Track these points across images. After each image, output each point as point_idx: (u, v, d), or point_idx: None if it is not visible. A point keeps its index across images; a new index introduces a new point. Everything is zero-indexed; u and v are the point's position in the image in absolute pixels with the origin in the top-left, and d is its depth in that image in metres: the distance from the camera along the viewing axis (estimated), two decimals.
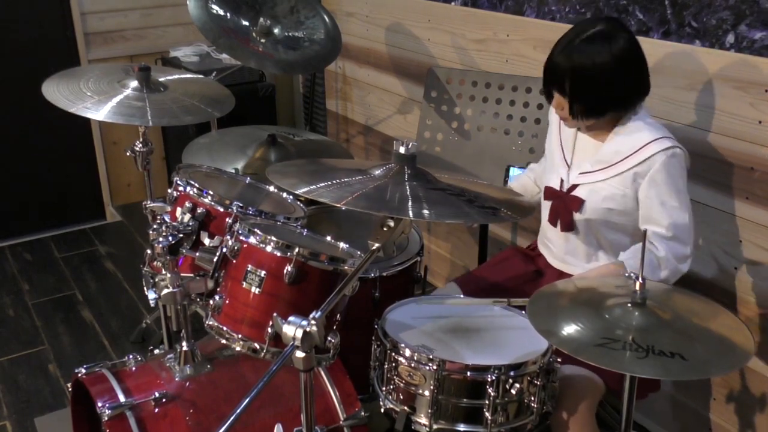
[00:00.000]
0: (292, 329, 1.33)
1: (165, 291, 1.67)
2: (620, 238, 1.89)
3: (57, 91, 2.24)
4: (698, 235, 1.84)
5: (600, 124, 1.86)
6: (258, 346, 1.60)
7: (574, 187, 1.90)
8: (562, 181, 1.94)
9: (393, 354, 1.64)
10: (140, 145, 2.34)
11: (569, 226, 1.92)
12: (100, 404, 1.65)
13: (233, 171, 2.36)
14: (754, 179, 1.98)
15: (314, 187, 1.55)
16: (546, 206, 2.00)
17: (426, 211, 1.47)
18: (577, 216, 1.90)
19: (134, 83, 2.32)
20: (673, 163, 1.77)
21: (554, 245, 2.02)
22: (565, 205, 1.92)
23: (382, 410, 1.69)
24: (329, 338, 1.57)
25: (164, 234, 1.68)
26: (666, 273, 1.79)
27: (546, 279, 2.02)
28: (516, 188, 2.19)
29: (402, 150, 1.60)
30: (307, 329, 1.32)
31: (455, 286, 2.09)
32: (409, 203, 1.48)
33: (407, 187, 1.55)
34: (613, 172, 1.83)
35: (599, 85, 1.77)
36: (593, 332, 1.36)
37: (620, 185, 1.83)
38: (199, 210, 1.81)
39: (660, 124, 1.84)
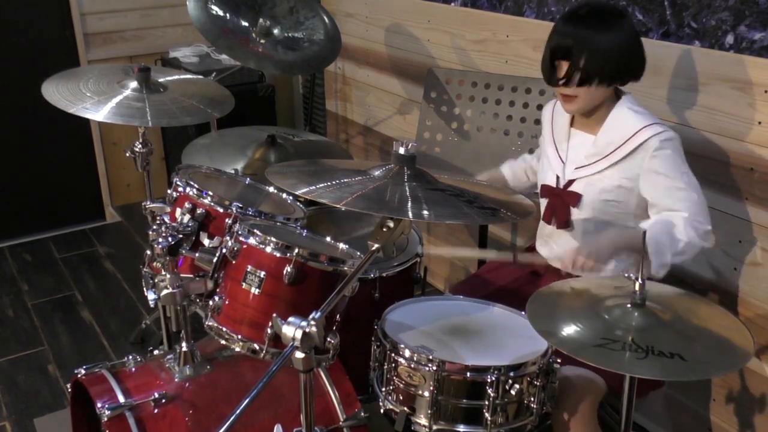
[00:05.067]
0: (291, 330, 1.33)
1: (164, 292, 1.67)
2: (618, 232, 1.89)
3: (56, 92, 2.24)
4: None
5: (597, 109, 1.86)
6: (257, 347, 1.60)
7: (570, 182, 1.91)
8: (558, 178, 1.94)
9: (392, 355, 1.64)
10: (140, 145, 2.34)
11: (566, 223, 1.92)
12: (99, 405, 1.64)
13: (233, 171, 2.36)
14: (753, 180, 1.98)
15: (314, 187, 1.55)
16: (542, 204, 2.01)
17: (425, 212, 1.47)
18: (574, 211, 1.90)
19: (134, 84, 2.31)
20: (668, 147, 1.77)
21: (553, 243, 2.02)
22: (561, 201, 1.92)
23: (382, 411, 1.69)
24: (329, 339, 1.57)
25: (164, 235, 1.68)
26: (686, 249, 1.76)
27: (545, 280, 2.02)
28: (506, 172, 2.22)
29: (401, 150, 1.60)
30: (307, 330, 1.32)
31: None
32: (409, 204, 1.48)
33: (407, 188, 1.55)
34: (607, 163, 1.84)
35: (604, 47, 1.76)
36: (593, 333, 1.36)
37: (615, 176, 1.83)
38: (199, 210, 1.81)
39: (649, 111, 1.85)
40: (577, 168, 1.91)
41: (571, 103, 1.85)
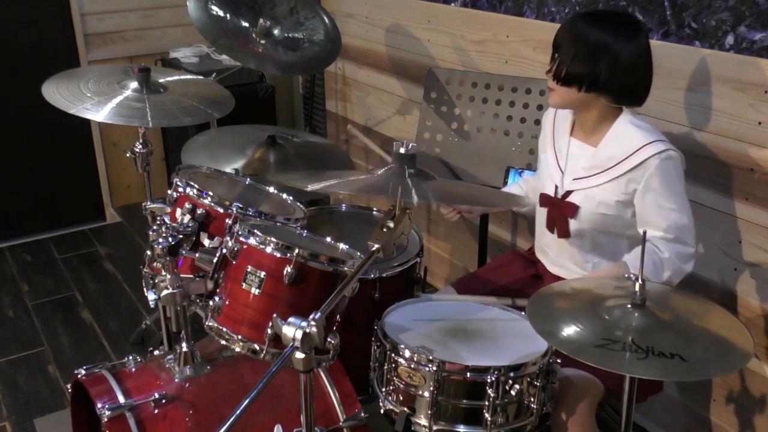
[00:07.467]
0: (291, 330, 1.32)
1: (165, 292, 1.67)
2: (615, 243, 1.89)
3: (57, 92, 2.24)
4: (699, 235, 1.84)
5: (586, 118, 1.85)
6: (258, 347, 1.60)
7: (568, 193, 1.89)
8: (556, 187, 1.93)
9: (393, 355, 1.64)
10: (140, 146, 2.34)
11: (566, 233, 1.91)
12: (99, 405, 1.64)
13: (233, 172, 2.36)
14: (753, 180, 1.98)
15: (323, 183, 1.56)
16: (542, 213, 1.99)
17: (430, 194, 1.48)
18: (572, 222, 1.89)
19: (134, 84, 2.32)
20: (668, 166, 1.75)
21: (551, 251, 2.01)
22: (560, 212, 1.90)
23: (382, 411, 1.69)
24: (329, 339, 1.56)
25: (164, 235, 1.68)
26: (669, 273, 1.78)
27: (545, 283, 2.02)
28: (516, 190, 2.23)
29: (402, 150, 1.60)
30: (307, 330, 1.32)
31: (452, 289, 2.08)
32: (413, 191, 1.49)
33: (409, 181, 1.56)
34: (606, 177, 1.82)
35: (589, 55, 1.73)
36: (593, 333, 1.36)
37: (614, 190, 1.81)
38: (199, 211, 1.81)
39: (653, 126, 1.82)
40: (575, 179, 1.88)
41: (550, 95, 1.84)
